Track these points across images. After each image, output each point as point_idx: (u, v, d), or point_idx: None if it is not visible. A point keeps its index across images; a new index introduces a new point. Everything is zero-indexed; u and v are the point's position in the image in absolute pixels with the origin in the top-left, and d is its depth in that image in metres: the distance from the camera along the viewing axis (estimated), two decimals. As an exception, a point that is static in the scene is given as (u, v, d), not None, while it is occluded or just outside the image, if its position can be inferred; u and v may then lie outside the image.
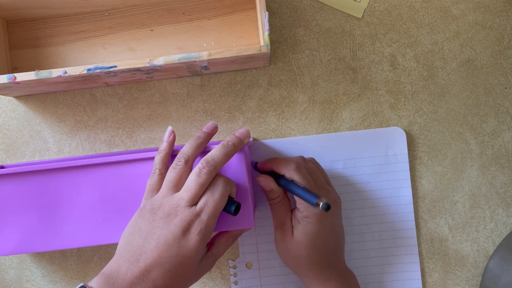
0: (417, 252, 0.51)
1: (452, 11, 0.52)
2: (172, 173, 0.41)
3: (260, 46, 0.43)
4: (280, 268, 0.51)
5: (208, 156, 0.41)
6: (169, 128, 0.44)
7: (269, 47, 0.43)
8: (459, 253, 0.51)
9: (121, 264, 0.39)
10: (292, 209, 0.46)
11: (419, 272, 0.51)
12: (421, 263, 0.51)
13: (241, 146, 0.42)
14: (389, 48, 0.52)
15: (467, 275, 0.51)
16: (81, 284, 0.37)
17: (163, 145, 0.43)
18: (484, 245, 0.51)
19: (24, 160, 0.52)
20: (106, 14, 0.51)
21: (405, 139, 0.51)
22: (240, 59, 0.45)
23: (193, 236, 0.38)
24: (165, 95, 0.52)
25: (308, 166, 0.47)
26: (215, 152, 0.41)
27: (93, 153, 0.52)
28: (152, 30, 0.51)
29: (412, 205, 0.51)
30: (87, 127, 0.52)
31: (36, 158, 0.52)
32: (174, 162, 0.41)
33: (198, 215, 0.39)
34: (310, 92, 0.52)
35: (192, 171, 0.40)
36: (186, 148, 0.42)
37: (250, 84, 0.52)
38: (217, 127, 0.44)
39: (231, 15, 0.51)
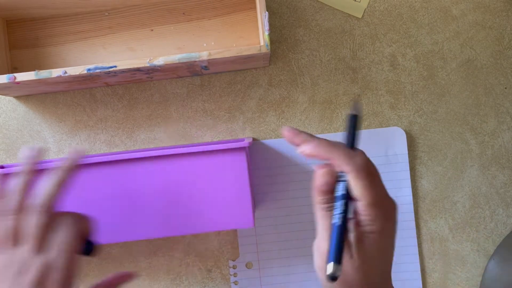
0: (417, 252, 0.51)
1: (452, 11, 0.52)
2: (3, 226, 0.35)
3: (260, 46, 0.43)
4: (280, 268, 0.51)
5: (37, 195, 0.35)
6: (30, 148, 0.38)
7: (269, 47, 0.43)
8: (459, 253, 0.51)
9: None
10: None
11: (419, 272, 0.51)
12: (421, 263, 0.51)
13: (74, 166, 0.37)
14: (389, 48, 0.52)
15: (467, 275, 0.51)
16: None
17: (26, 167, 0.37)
18: (484, 245, 0.51)
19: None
20: (106, 14, 0.51)
21: (405, 139, 0.51)
22: (240, 59, 0.45)
23: None
24: (165, 95, 0.52)
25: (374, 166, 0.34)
26: (43, 187, 0.35)
27: (93, 153, 0.52)
28: (152, 30, 0.51)
29: (412, 205, 0.51)
30: (87, 127, 0.52)
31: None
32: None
33: (51, 264, 0.33)
34: (310, 92, 0.52)
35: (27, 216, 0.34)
36: (15, 191, 0.35)
37: (250, 84, 0.52)
38: (35, 157, 0.38)
39: (231, 15, 0.51)
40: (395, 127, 0.51)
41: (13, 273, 0.32)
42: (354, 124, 0.34)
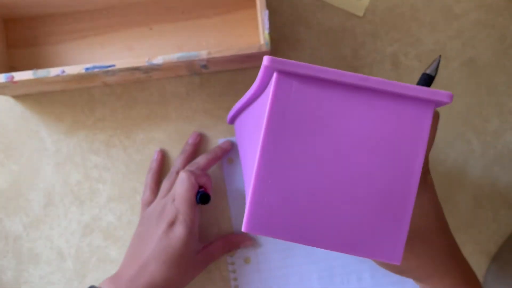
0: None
1: (454, 9, 0.51)
2: (164, 183, 0.49)
3: (260, 45, 0.43)
4: (278, 261, 0.51)
5: (192, 162, 0.48)
6: (156, 150, 0.50)
7: (269, 46, 0.43)
8: (461, 254, 0.51)
9: (124, 264, 0.44)
10: None
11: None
12: (423, 264, 0.51)
13: (223, 154, 0.50)
14: (390, 47, 0.51)
15: (470, 276, 0.51)
16: (91, 285, 0.43)
17: (152, 165, 0.50)
18: (487, 246, 0.51)
19: (21, 161, 0.51)
20: (105, 12, 0.51)
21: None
22: (240, 58, 0.45)
23: (178, 227, 0.43)
24: (164, 95, 0.51)
25: None
26: (199, 158, 0.48)
27: (93, 153, 0.51)
28: (151, 28, 0.51)
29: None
30: (85, 127, 0.51)
31: (34, 158, 0.51)
32: (168, 174, 0.49)
33: (177, 208, 0.44)
34: (311, 92, 0.51)
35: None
36: (177, 162, 0.49)
37: (250, 83, 0.51)
38: (200, 136, 0.50)
39: (231, 13, 0.51)
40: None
41: (156, 215, 0.45)
42: (426, 85, 0.32)
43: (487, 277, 0.50)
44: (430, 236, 0.34)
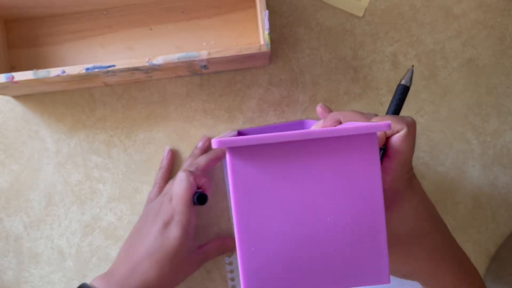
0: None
1: (454, 10, 0.51)
2: (169, 183, 0.48)
3: (260, 45, 0.43)
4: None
5: (192, 162, 0.47)
6: (167, 148, 0.50)
7: (269, 46, 0.43)
8: (460, 254, 0.51)
9: (118, 261, 0.44)
10: None
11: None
12: (423, 264, 0.51)
13: (223, 154, 0.48)
14: (390, 47, 0.51)
15: (469, 276, 0.51)
16: (83, 282, 0.43)
17: (163, 163, 0.50)
18: (486, 246, 0.51)
19: (22, 161, 0.51)
20: (105, 13, 0.51)
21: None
22: (240, 58, 0.45)
23: (173, 227, 0.43)
24: (164, 95, 0.51)
25: None
26: (199, 159, 0.48)
27: (93, 153, 0.51)
28: (151, 29, 0.51)
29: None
30: (85, 127, 0.51)
31: (35, 158, 0.51)
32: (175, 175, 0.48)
33: (174, 208, 0.44)
34: (311, 92, 0.51)
35: None
36: (185, 164, 0.48)
37: (250, 84, 0.51)
38: (209, 140, 0.50)
39: (231, 13, 0.51)
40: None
41: (154, 212, 0.45)
42: (402, 95, 0.35)
43: (487, 277, 0.50)
44: (426, 238, 0.35)
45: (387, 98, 0.51)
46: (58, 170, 0.51)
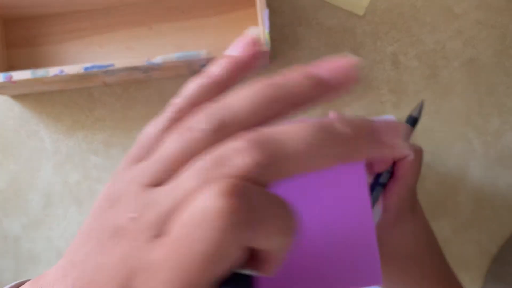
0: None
1: (454, 9, 0.51)
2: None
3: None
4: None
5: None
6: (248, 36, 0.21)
7: (269, 45, 0.42)
8: (462, 254, 0.51)
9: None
10: None
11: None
12: (424, 264, 0.51)
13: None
14: (390, 47, 0.51)
15: (470, 277, 0.51)
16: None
17: (214, 72, 0.21)
18: (487, 246, 0.51)
19: (21, 161, 0.51)
20: (104, 12, 0.51)
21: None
22: (240, 58, 0.45)
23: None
24: (163, 95, 0.51)
25: None
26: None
27: (92, 153, 0.51)
28: (150, 28, 0.51)
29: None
30: (84, 127, 0.51)
31: (33, 158, 0.51)
32: None
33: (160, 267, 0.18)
34: (311, 92, 0.51)
35: None
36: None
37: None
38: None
39: (231, 13, 0.50)
40: (388, 115, 0.51)
41: (110, 225, 0.21)
42: (412, 125, 0.38)
43: (488, 278, 0.50)
44: (422, 258, 0.36)
45: (388, 98, 0.51)
46: (57, 170, 0.51)
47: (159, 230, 0.17)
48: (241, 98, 0.18)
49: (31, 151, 0.51)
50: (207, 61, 0.44)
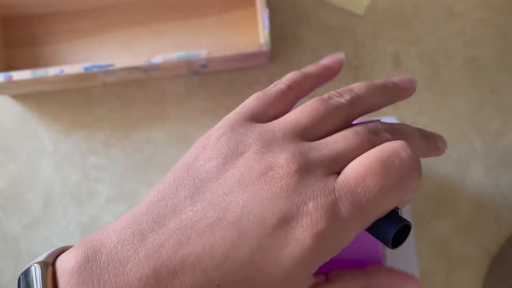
0: (415, 254, 0.50)
1: (456, 8, 0.51)
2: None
3: (260, 44, 0.42)
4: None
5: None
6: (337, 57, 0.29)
7: (269, 45, 0.42)
8: (462, 254, 0.51)
9: (125, 236, 0.20)
10: None
11: (418, 274, 0.50)
12: (424, 265, 0.50)
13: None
14: (392, 46, 0.51)
15: (471, 277, 0.51)
16: (41, 259, 0.21)
17: (316, 68, 0.28)
18: (488, 247, 0.51)
19: (20, 161, 0.51)
20: (104, 11, 0.51)
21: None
22: (240, 58, 0.44)
23: (304, 233, 0.19)
24: (163, 94, 0.51)
25: None
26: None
27: (91, 153, 0.51)
28: (150, 27, 0.50)
29: (409, 206, 0.50)
30: (83, 127, 0.51)
31: (32, 158, 0.51)
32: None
33: (336, 200, 0.19)
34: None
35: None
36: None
37: (250, 83, 0.51)
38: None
39: (231, 12, 0.50)
40: (390, 117, 0.50)
41: (265, 172, 0.23)
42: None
43: (488, 278, 0.50)
44: None
45: (389, 98, 0.51)
46: (56, 170, 0.51)
47: (329, 169, 0.21)
48: (360, 86, 0.26)
49: (30, 151, 0.51)
50: (207, 60, 0.44)
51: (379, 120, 0.24)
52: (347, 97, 0.24)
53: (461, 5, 0.51)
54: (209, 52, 0.42)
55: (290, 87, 0.25)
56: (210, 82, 0.51)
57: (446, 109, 0.51)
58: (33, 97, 0.51)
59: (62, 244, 0.51)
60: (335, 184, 0.20)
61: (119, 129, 0.51)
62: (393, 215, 0.20)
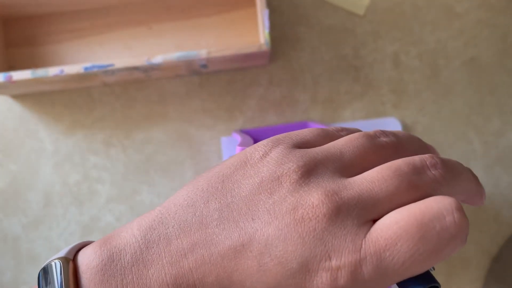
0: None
1: (456, 9, 0.51)
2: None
3: (260, 44, 0.42)
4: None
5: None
6: None
7: (269, 45, 0.42)
8: (462, 254, 0.51)
9: (151, 238, 0.20)
10: None
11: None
12: (424, 265, 0.50)
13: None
14: (391, 46, 0.51)
15: (471, 277, 0.51)
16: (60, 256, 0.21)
17: None
18: (488, 247, 0.51)
19: (20, 161, 0.51)
20: (104, 12, 0.51)
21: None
22: (240, 58, 0.44)
23: (321, 286, 0.19)
24: (163, 94, 0.51)
25: None
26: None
27: (92, 153, 0.51)
28: (150, 28, 0.50)
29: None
30: (84, 127, 0.51)
31: (33, 158, 0.51)
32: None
33: (360, 261, 0.18)
34: (312, 91, 0.51)
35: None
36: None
37: (250, 83, 0.51)
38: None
39: (231, 12, 0.50)
40: (391, 118, 0.50)
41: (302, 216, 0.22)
42: None
43: (489, 278, 0.50)
44: None
45: (389, 98, 0.51)
46: (56, 170, 0.51)
47: (362, 217, 0.19)
48: (404, 134, 0.24)
49: (31, 151, 0.51)
50: (207, 60, 0.44)
51: (426, 147, 0.23)
52: (393, 139, 0.23)
53: (461, 5, 0.51)
54: (209, 52, 0.42)
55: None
56: (210, 82, 0.51)
57: (446, 109, 0.51)
58: (33, 97, 0.51)
59: (62, 244, 0.51)
60: (363, 241, 0.18)
61: (119, 129, 0.51)
62: (424, 273, 0.19)
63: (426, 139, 0.51)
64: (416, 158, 0.21)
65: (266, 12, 0.42)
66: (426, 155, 0.21)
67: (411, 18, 0.51)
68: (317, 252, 0.18)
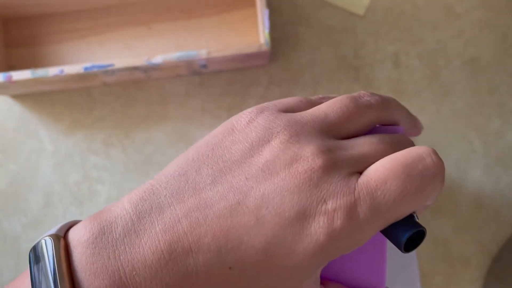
0: (416, 254, 0.50)
1: (456, 9, 0.51)
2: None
3: (260, 44, 0.42)
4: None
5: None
6: None
7: (269, 45, 0.42)
8: (462, 254, 0.51)
9: (143, 208, 0.20)
10: None
11: (418, 274, 0.50)
12: (424, 265, 0.50)
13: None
14: (391, 47, 0.51)
15: (471, 277, 0.51)
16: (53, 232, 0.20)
17: None
18: (488, 247, 0.51)
19: (20, 161, 0.51)
20: (104, 12, 0.51)
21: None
22: (240, 58, 0.44)
23: (319, 230, 0.19)
24: (163, 94, 0.51)
25: None
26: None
27: (92, 153, 0.51)
28: (150, 28, 0.50)
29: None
30: (84, 127, 0.51)
31: (32, 158, 0.51)
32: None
33: (355, 201, 0.19)
34: (312, 91, 0.51)
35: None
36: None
37: (250, 83, 0.51)
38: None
39: (231, 12, 0.50)
40: None
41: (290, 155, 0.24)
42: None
43: (489, 278, 0.50)
44: None
45: (389, 98, 0.51)
46: (56, 170, 0.51)
47: (353, 168, 0.21)
48: (389, 96, 0.26)
49: (31, 151, 0.51)
50: (207, 60, 0.44)
51: (402, 134, 0.24)
52: (377, 98, 0.24)
53: (461, 5, 0.51)
54: (209, 52, 0.42)
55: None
56: (210, 82, 0.51)
57: (446, 109, 0.51)
58: (33, 97, 0.51)
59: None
60: (356, 184, 0.20)
61: (119, 129, 0.51)
62: (409, 219, 0.20)
63: (426, 139, 0.51)
64: (394, 135, 0.23)
65: (266, 12, 0.43)
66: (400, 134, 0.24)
67: (411, 18, 0.51)
68: (314, 198, 0.19)
